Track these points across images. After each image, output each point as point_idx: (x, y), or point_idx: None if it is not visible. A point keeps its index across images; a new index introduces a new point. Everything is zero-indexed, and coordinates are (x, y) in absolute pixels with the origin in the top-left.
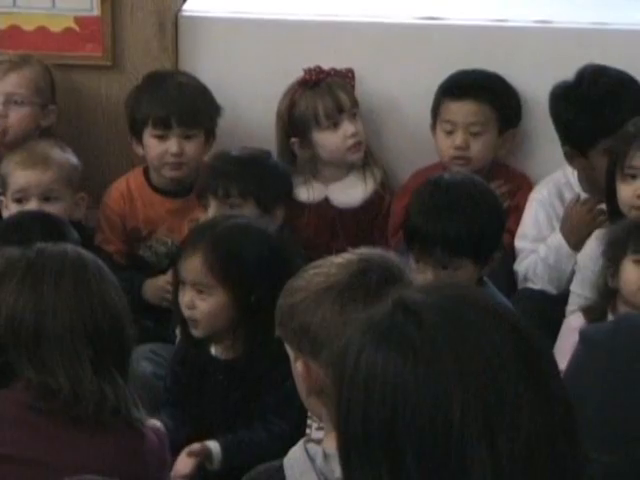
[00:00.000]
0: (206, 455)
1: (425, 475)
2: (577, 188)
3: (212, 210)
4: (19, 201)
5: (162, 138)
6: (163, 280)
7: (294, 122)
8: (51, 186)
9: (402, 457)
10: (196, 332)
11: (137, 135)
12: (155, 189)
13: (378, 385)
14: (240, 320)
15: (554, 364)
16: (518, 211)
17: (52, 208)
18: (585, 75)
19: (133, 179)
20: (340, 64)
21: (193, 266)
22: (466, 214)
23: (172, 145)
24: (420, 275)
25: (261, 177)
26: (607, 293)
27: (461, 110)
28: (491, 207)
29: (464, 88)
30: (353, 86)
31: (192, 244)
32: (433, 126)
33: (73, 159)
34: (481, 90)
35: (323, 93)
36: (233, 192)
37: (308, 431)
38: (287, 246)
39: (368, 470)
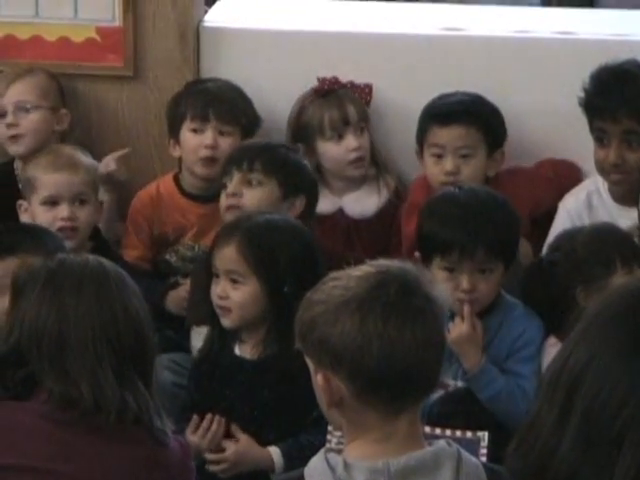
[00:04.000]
0: (267, 459)
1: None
2: (605, 196)
3: (233, 184)
4: (50, 205)
5: (198, 132)
6: (184, 290)
7: (301, 128)
8: (82, 189)
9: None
10: (227, 322)
11: (175, 135)
12: (185, 194)
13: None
14: (271, 313)
15: None
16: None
17: (82, 212)
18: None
19: (163, 185)
20: (359, 75)
21: (227, 255)
22: (498, 216)
23: (207, 137)
24: (449, 284)
25: (286, 159)
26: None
27: (449, 135)
28: (511, 211)
29: (451, 114)
30: (369, 102)
31: (226, 235)
32: (420, 152)
33: (96, 163)
34: (467, 114)
35: (331, 104)
36: (257, 167)
37: (328, 445)
38: (316, 244)
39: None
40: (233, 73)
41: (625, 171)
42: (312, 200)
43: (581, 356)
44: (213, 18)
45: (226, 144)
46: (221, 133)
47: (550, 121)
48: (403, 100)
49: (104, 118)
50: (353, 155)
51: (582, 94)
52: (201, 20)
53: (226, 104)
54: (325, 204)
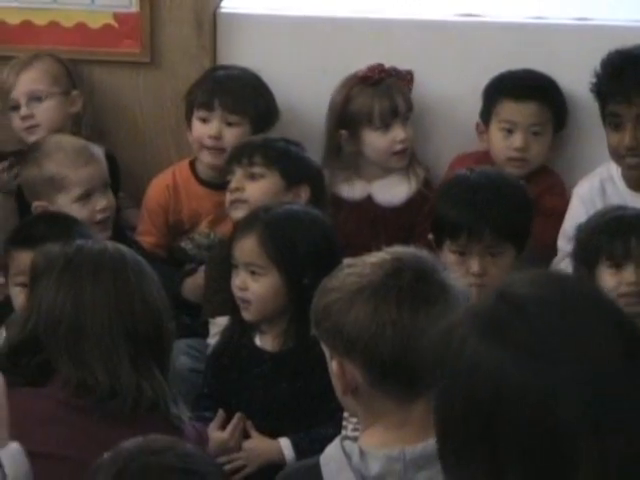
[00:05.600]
0: (277, 452)
1: (527, 467)
2: (619, 183)
3: (235, 180)
4: (84, 199)
5: (205, 121)
6: (200, 277)
7: (347, 116)
8: (107, 176)
9: (502, 449)
10: (247, 315)
11: (189, 121)
12: (201, 182)
13: (481, 375)
14: (291, 305)
15: None
16: (546, 213)
17: (112, 199)
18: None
19: (179, 172)
20: (377, 61)
21: (247, 247)
22: (507, 198)
23: (212, 128)
24: (461, 268)
25: (286, 150)
26: None
27: (524, 111)
28: (524, 193)
29: (526, 89)
30: (410, 89)
31: (246, 226)
32: (485, 125)
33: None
34: (541, 91)
35: (382, 94)
36: (257, 160)
37: (344, 431)
38: (335, 234)
39: (464, 460)
40: (250, 60)
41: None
42: (317, 189)
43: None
44: (230, 4)
45: (232, 134)
46: (228, 123)
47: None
48: (424, 88)
49: (120, 104)
50: (399, 146)
51: (594, 80)
52: (218, 6)
53: (232, 94)
54: (354, 191)
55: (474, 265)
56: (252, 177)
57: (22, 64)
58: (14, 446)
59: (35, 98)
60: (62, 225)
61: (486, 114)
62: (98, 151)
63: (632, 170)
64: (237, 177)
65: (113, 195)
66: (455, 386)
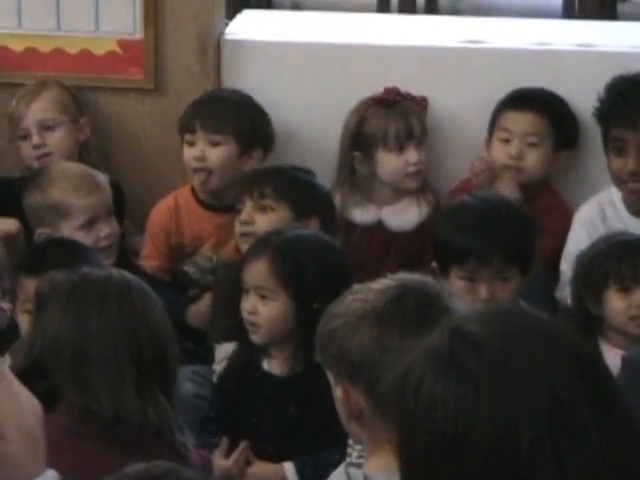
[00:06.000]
0: (281, 477)
1: None
2: (620, 208)
3: (245, 212)
4: (88, 227)
5: (192, 144)
6: (205, 305)
7: (362, 137)
8: (111, 204)
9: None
10: (256, 337)
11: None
12: (202, 204)
13: (440, 415)
14: (300, 329)
15: (619, 389)
16: (547, 233)
17: (115, 226)
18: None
19: (181, 195)
20: (380, 88)
21: (257, 270)
22: (513, 222)
23: (196, 149)
24: (469, 294)
25: (296, 182)
26: (590, 322)
27: (520, 120)
28: (526, 216)
29: (526, 99)
30: (425, 114)
31: (257, 250)
32: (489, 139)
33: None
34: (542, 104)
35: (397, 115)
36: (268, 192)
37: (348, 459)
38: (347, 260)
39: None
40: (254, 86)
41: None
42: (327, 220)
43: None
44: (234, 31)
45: (216, 154)
46: (213, 144)
47: None
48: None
49: (125, 131)
50: (413, 168)
51: (597, 104)
52: (222, 33)
53: (212, 114)
54: (365, 214)
55: (483, 291)
56: (262, 209)
57: (31, 93)
58: (51, 473)
59: (46, 127)
60: (71, 252)
61: (491, 127)
62: (102, 178)
63: (634, 195)
64: (247, 209)
65: (117, 222)
66: (415, 424)
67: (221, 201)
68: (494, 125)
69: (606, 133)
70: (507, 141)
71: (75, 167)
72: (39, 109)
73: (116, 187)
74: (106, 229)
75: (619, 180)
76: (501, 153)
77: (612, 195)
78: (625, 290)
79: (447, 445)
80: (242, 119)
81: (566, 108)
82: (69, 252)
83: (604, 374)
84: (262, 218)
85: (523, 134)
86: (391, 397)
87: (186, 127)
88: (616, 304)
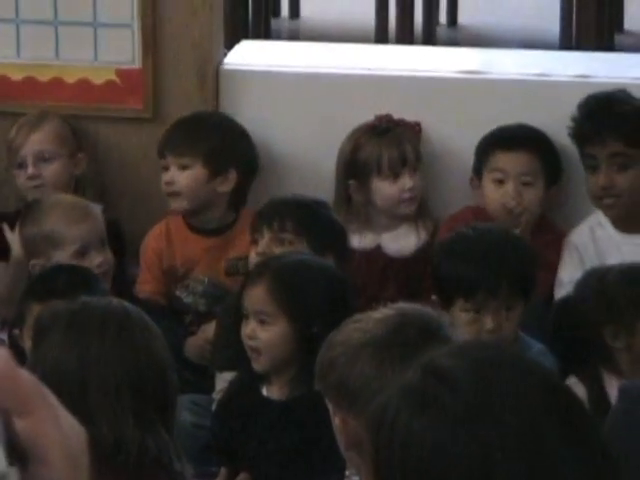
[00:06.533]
0: None
1: None
2: (607, 227)
3: (263, 243)
4: (81, 254)
5: (166, 169)
6: (203, 339)
7: (356, 165)
8: (104, 232)
9: None
10: (258, 365)
11: None
12: (192, 228)
13: (414, 451)
14: (301, 354)
15: (591, 418)
16: (546, 267)
17: (108, 255)
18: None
19: (173, 219)
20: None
21: (256, 295)
22: (516, 251)
23: (167, 175)
24: (474, 326)
25: (317, 218)
26: (599, 357)
27: (513, 160)
28: (527, 245)
29: (516, 139)
30: (419, 139)
31: (256, 275)
32: (477, 177)
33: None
34: (532, 142)
35: (390, 142)
36: (288, 227)
37: None
38: (349, 287)
39: None
40: (253, 115)
41: (615, 194)
42: (341, 257)
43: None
44: (233, 60)
45: (185, 178)
46: (181, 167)
47: (570, 163)
48: (426, 142)
49: (124, 160)
50: (407, 195)
51: (571, 124)
52: (221, 62)
53: (178, 137)
54: (363, 240)
55: (489, 322)
56: (281, 242)
57: (32, 124)
58: None
59: (43, 159)
60: (80, 279)
61: (479, 168)
62: (94, 208)
63: (610, 211)
64: (265, 241)
65: (117, 259)
66: (391, 460)
67: (205, 224)
68: (482, 166)
69: (581, 152)
70: (501, 182)
71: (68, 197)
72: (38, 140)
73: (114, 225)
74: (99, 258)
75: (595, 198)
76: (497, 194)
77: (599, 216)
78: None
79: (423, 477)
80: (210, 141)
81: (550, 143)
82: (78, 279)
83: (577, 405)
84: (279, 251)
85: (518, 174)
86: (368, 432)
87: (160, 153)
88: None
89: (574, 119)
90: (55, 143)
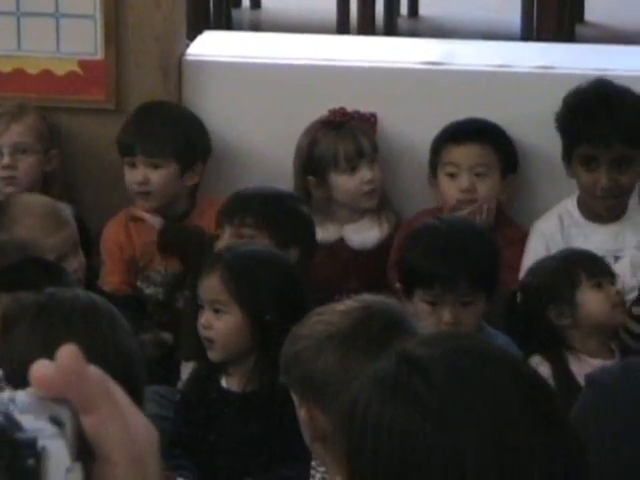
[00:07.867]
0: None
1: None
2: (576, 214)
3: (225, 238)
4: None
5: (133, 166)
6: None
7: (313, 161)
8: (77, 237)
9: None
10: (212, 354)
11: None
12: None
13: (387, 439)
14: (256, 345)
15: (561, 405)
16: (507, 264)
17: (80, 258)
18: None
19: (131, 211)
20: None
21: (210, 284)
22: (479, 246)
23: (138, 173)
24: (433, 317)
25: (278, 211)
26: (553, 338)
27: (465, 153)
28: (491, 240)
29: (467, 132)
30: (375, 131)
31: (209, 265)
32: (432, 175)
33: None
34: (483, 134)
35: (345, 136)
36: (249, 222)
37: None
38: (304, 279)
39: None
40: (216, 106)
41: (616, 194)
42: (307, 249)
43: None
44: (195, 51)
45: (159, 177)
46: (153, 166)
47: (531, 154)
48: (387, 133)
49: (87, 151)
50: (367, 187)
51: (559, 118)
52: (183, 53)
53: (150, 136)
54: (326, 233)
55: (446, 315)
56: (241, 238)
57: (12, 115)
58: None
59: (19, 150)
60: (47, 271)
61: (434, 165)
62: (67, 212)
63: (610, 211)
64: (227, 237)
65: (85, 255)
66: (363, 448)
67: (167, 214)
68: (436, 161)
69: (571, 148)
70: (454, 175)
71: (39, 203)
72: (18, 132)
73: (79, 221)
74: (74, 264)
75: (592, 195)
76: (451, 188)
77: (567, 205)
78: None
79: (394, 468)
80: (180, 138)
81: (504, 134)
82: (45, 271)
83: (547, 392)
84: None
85: (471, 166)
86: (340, 421)
87: (127, 151)
88: (594, 299)
89: (565, 114)
90: (33, 137)
